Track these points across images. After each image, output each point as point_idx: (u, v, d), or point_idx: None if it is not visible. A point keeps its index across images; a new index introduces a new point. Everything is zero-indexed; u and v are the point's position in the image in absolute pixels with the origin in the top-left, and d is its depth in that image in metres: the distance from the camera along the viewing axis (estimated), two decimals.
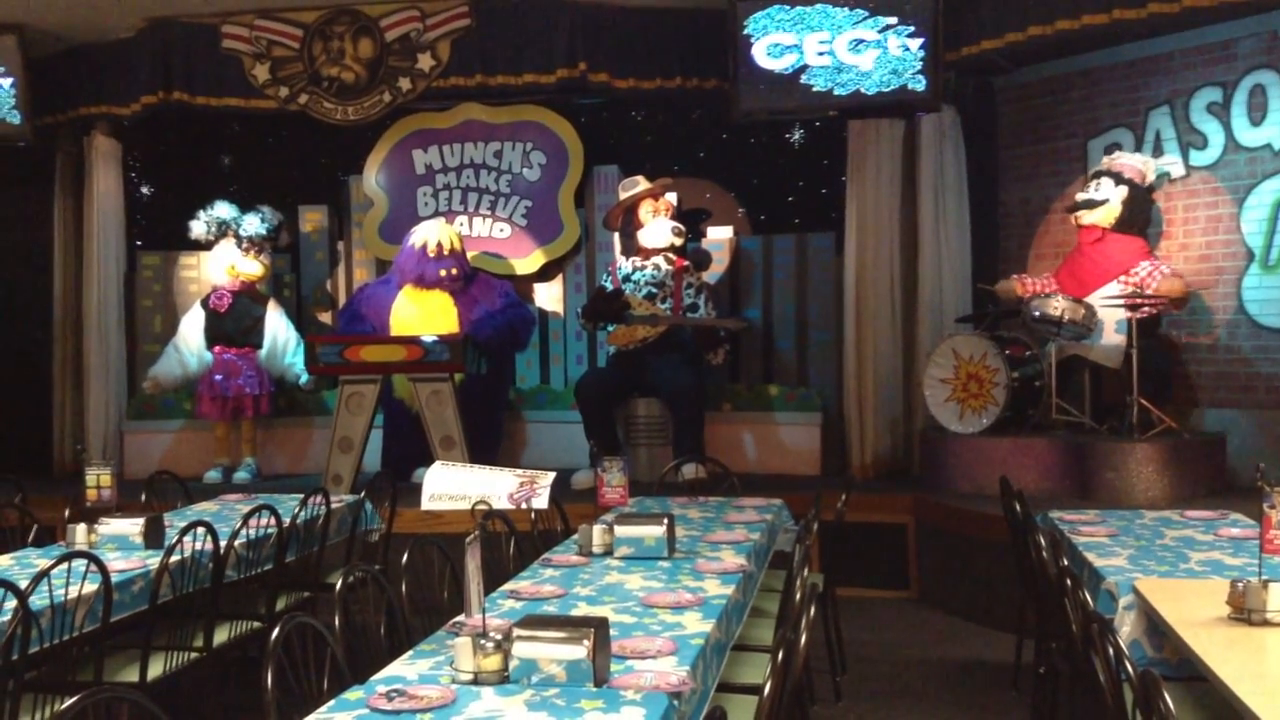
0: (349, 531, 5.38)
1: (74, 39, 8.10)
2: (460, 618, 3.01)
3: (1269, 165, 6.64)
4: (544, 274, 8.58)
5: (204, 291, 8.32)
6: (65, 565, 3.40)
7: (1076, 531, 4.29)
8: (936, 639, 5.89)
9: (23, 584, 3.22)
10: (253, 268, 8.07)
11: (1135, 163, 6.84)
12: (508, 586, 3.52)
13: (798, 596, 3.16)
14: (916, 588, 6.70)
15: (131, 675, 3.80)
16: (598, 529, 3.97)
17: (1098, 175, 6.88)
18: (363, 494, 5.68)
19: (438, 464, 3.26)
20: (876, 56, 7.03)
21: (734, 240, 8.39)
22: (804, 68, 7.14)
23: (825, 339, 8.11)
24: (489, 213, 8.56)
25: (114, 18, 7.78)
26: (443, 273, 7.67)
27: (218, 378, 7.94)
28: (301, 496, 4.96)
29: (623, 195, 7.84)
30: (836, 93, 7.14)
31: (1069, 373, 6.75)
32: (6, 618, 3.14)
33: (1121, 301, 6.30)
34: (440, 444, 6.97)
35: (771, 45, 7.15)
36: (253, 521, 4.41)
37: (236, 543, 4.34)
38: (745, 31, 7.14)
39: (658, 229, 7.69)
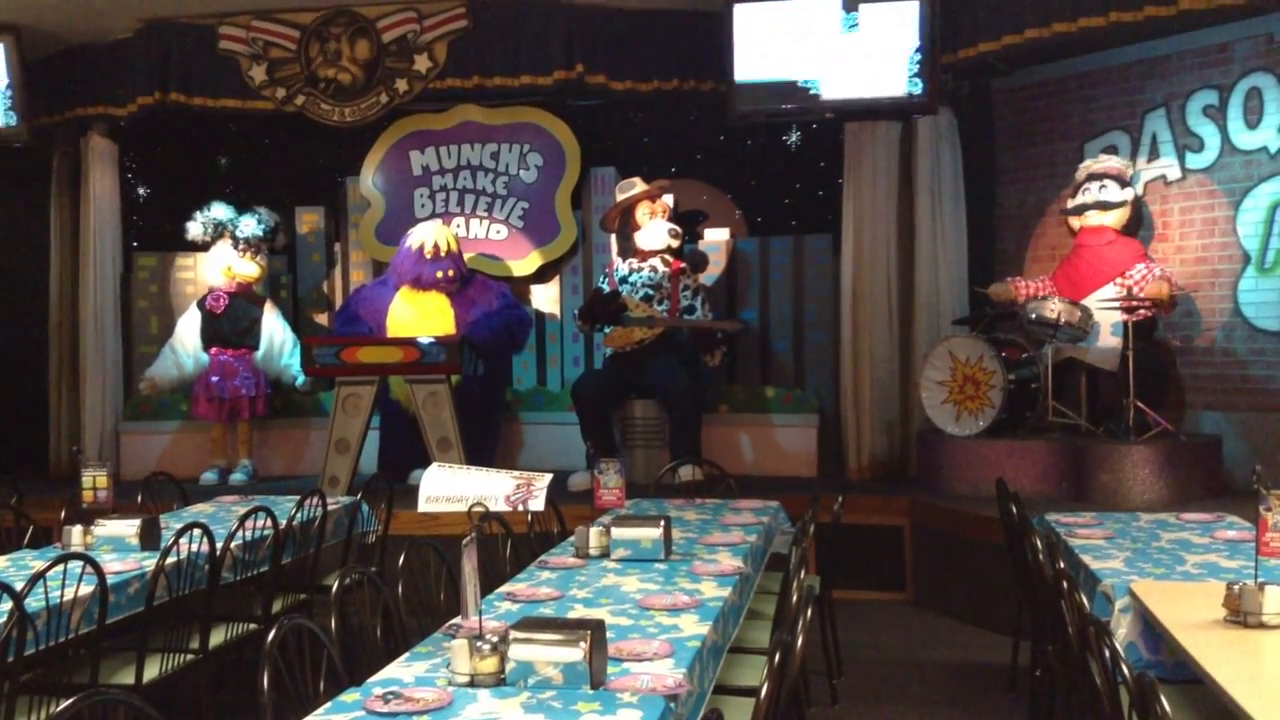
0: (345, 533, 5.37)
1: (70, 40, 8.09)
2: (457, 620, 3.01)
3: (1265, 168, 6.65)
4: (541, 275, 8.58)
5: (200, 293, 8.31)
6: (61, 567, 3.39)
7: (1073, 534, 4.30)
8: (933, 641, 5.89)
9: (18, 585, 3.22)
10: (249, 269, 8.06)
11: (1118, 165, 6.91)
12: (504, 588, 3.52)
13: (794, 599, 3.16)
14: (913, 590, 6.70)
15: (127, 677, 3.80)
16: (594, 531, 3.97)
17: (1096, 178, 6.90)
18: (359, 496, 5.67)
19: (434, 466, 3.25)
20: (873, 58, 7.03)
21: (731, 242, 8.39)
22: (800, 70, 7.14)
23: (822, 341, 8.12)
24: (486, 214, 8.56)
25: (111, 19, 7.78)
26: (439, 274, 7.67)
27: (214, 379, 7.94)
28: (298, 498, 4.95)
29: (620, 197, 7.84)
30: (833, 95, 7.15)
31: (1065, 375, 6.76)
32: (2, 619, 3.13)
33: (1116, 304, 6.32)
34: (437, 446, 6.97)
35: (768, 47, 7.15)
36: (249, 523, 4.40)
37: (233, 544, 4.34)
38: (741, 33, 7.14)
39: (655, 231, 7.69)
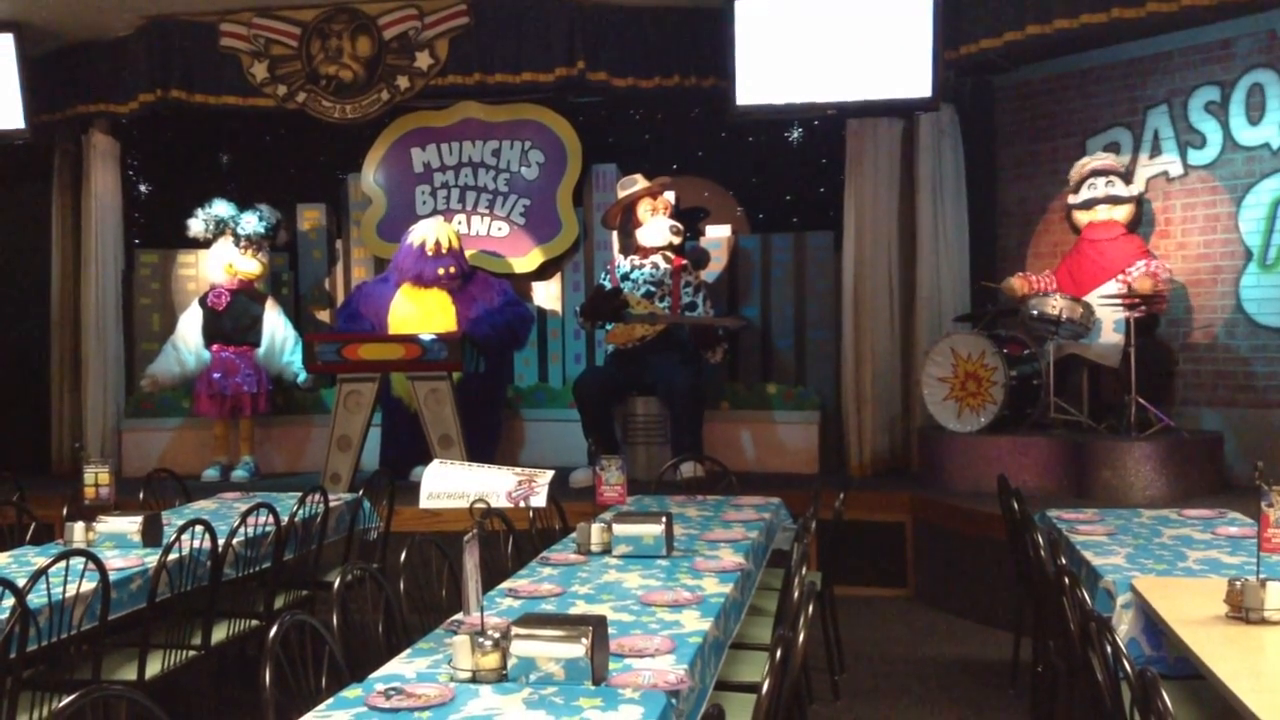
0: (347, 530, 5.38)
1: (72, 37, 8.09)
2: (458, 616, 3.01)
3: (1267, 164, 6.64)
4: (542, 272, 8.58)
5: (202, 290, 8.31)
6: (63, 563, 3.40)
7: (1074, 530, 4.30)
8: (934, 637, 5.89)
9: (21, 582, 3.22)
10: (251, 266, 8.06)
11: (1116, 163, 6.92)
12: (506, 585, 3.52)
13: (796, 595, 3.16)
14: (914, 586, 6.70)
15: (129, 673, 3.80)
16: (596, 527, 3.97)
17: (1097, 174, 6.90)
18: (361, 492, 5.67)
19: (436, 462, 3.26)
20: (875, 54, 7.02)
21: (732, 239, 8.39)
22: (802, 66, 7.13)
23: (823, 338, 8.11)
24: (487, 211, 8.56)
25: (112, 16, 7.77)
26: (441, 271, 7.67)
27: (216, 376, 7.94)
28: (300, 495, 4.96)
29: (621, 194, 7.84)
30: (835, 91, 7.14)
31: (1067, 371, 6.76)
32: (4, 616, 3.13)
33: (1117, 301, 6.32)
34: (438, 442, 6.97)
35: (769, 43, 7.14)
36: (251, 520, 4.41)
37: (235, 541, 4.34)
38: (743, 29, 7.13)
39: (656, 228, 7.69)
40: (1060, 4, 6.48)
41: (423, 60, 7.77)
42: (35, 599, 3.31)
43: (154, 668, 3.85)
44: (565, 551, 4.00)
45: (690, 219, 8.21)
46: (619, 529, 3.90)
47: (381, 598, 3.25)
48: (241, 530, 4.36)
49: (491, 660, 2.49)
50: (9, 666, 3.10)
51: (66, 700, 2.10)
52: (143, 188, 9.12)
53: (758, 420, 7.92)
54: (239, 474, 7.91)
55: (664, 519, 3.92)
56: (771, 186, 8.48)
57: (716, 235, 8.39)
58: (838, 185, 7.85)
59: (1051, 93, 7.64)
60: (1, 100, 7.88)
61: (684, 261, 7.76)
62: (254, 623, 4.49)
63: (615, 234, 8.10)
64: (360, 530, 5.49)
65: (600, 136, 8.55)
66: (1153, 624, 3.26)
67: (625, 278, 7.71)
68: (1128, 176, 6.91)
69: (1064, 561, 3.60)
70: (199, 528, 4.07)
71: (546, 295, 8.64)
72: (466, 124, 8.57)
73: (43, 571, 3.30)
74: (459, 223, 8.40)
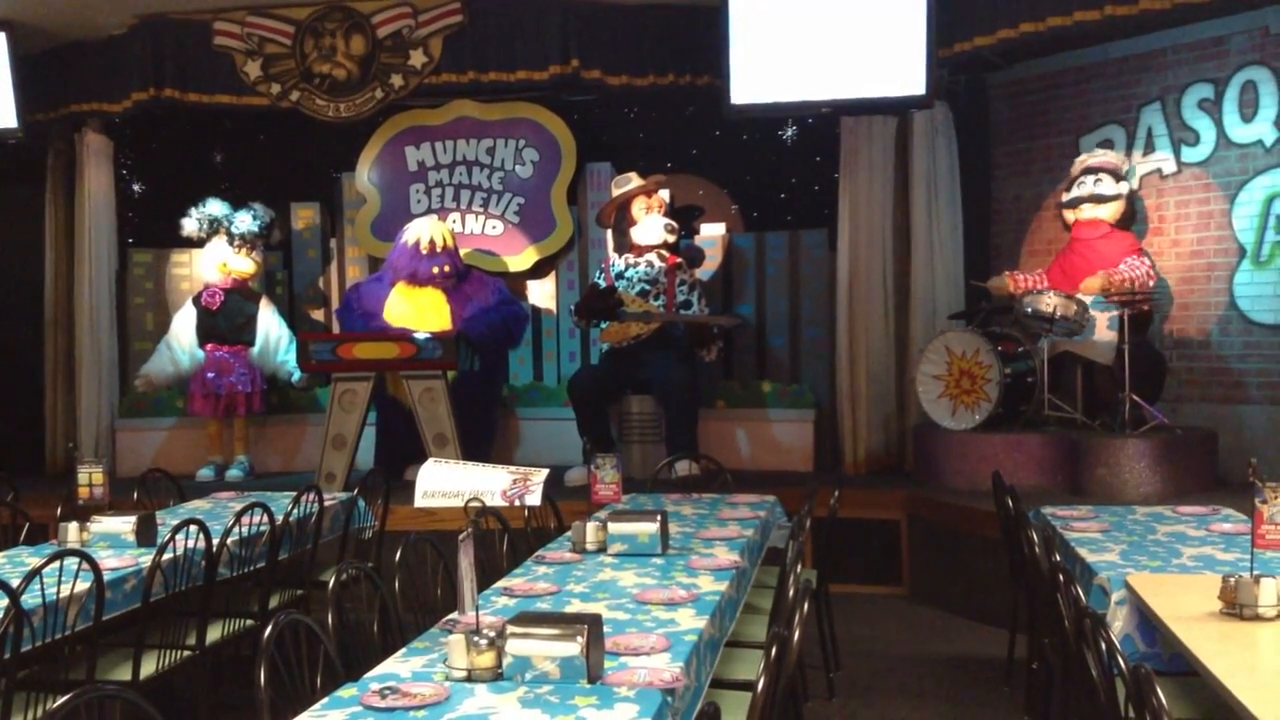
0: (342, 529, 5.37)
1: (65, 36, 8.07)
2: (454, 615, 3.01)
3: (1260, 161, 6.66)
4: (537, 271, 8.57)
5: (196, 289, 8.30)
6: (57, 563, 3.39)
7: (1069, 527, 4.30)
8: (929, 635, 5.90)
9: (15, 582, 3.21)
10: (245, 265, 8.05)
11: (1113, 159, 6.91)
12: (501, 584, 3.52)
13: (791, 593, 3.17)
14: (909, 584, 6.71)
15: (124, 674, 3.80)
16: (591, 526, 3.98)
17: (1091, 171, 6.91)
18: (356, 491, 5.67)
19: (431, 461, 3.25)
20: (869, 52, 7.02)
21: (727, 237, 8.39)
22: (796, 64, 7.13)
23: (818, 336, 8.12)
24: (482, 210, 8.55)
25: (105, 14, 7.76)
26: (435, 270, 7.66)
27: (210, 375, 7.93)
28: (294, 494, 4.95)
29: (615, 192, 7.84)
30: (829, 89, 7.14)
31: (1061, 369, 6.77)
32: None
33: (1103, 300, 6.35)
34: (433, 441, 6.97)
35: (764, 41, 7.14)
36: (245, 519, 4.40)
37: (229, 540, 4.34)
38: (737, 27, 7.12)
39: (651, 226, 7.69)
40: (1054, 2, 6.48)
41: (417, 59, 7.77)
42: (30, 599, 3.30)
43: (149, 668, 3.85)
44: (560, 550, 4.00)
45: (685, 217, 8.21)
46: (614, 527, 3.90)
47: (376, 597, 3.25)
48: (236, 530, 4.35)
49: (487, 659, 2.49)
50: (3, 667, 3.10)
51: (61, 700, 2.09)
52: (136, 187, 9.11)
53: (753, 418, 7.92)
54: (233, 473, 7.90)
55: (659, 517, 3.92)
56: (766, 185, 8.48)
57: (711, 233, 8.39)
58: (832, 183, 7.86)
59: (1045, 90, 7.65)
60: None
61: (679, 260, 7.76)
62: (249, 622, 4.48)
63: (610, 232, 8.09)
64: (355, 529, 5.49)
65: (595, 135, 8.55)
66: (1147, 621, 3.26)
67: (620, 276, 7.71)
68: (1118, 174, 6.90)
69: (1058, 559, 3.61)
70: (193, 527, 4.06)
71: (541, 294, 8.64)
72: (461, 122, 8.56)
73: (37, 572, 3.29)
74: (453, 221, 8.40)
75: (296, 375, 8.11)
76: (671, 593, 3.30)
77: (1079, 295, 6.50)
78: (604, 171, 8.40)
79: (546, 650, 2.46)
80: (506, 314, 7.86)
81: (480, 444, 7.67)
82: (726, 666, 3.49)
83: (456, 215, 8.52)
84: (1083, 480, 6.22)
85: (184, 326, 8.12)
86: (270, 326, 8.15)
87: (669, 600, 3.22)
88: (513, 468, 3.26)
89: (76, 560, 3.47)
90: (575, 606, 3.19)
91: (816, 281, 8.14)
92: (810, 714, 4.66)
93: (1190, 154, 6.97)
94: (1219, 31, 6.77)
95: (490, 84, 7.86)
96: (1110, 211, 6.86)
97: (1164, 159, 7.05)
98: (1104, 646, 2.65)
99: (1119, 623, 3.36)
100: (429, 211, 8.43)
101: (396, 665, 2.67)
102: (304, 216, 8.87)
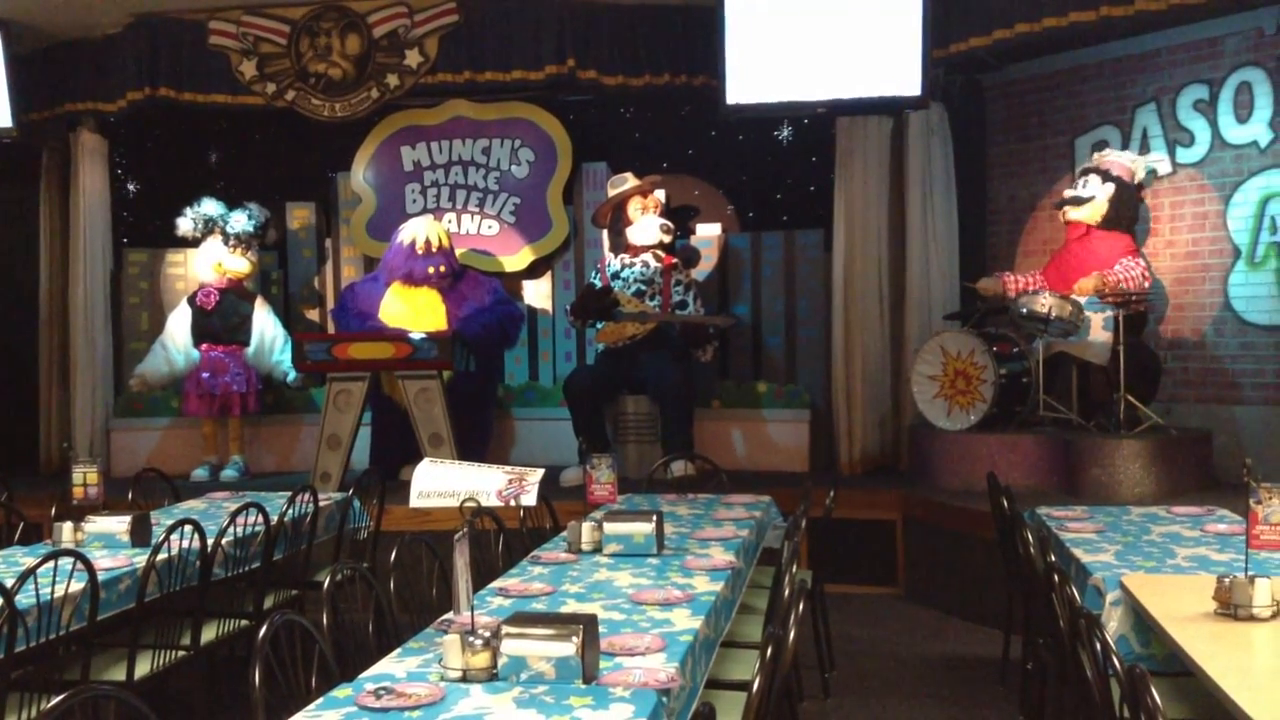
0: (337, 529, 5.37)
1: (60, 35, 8.06)
2: (449, 615, 3.00)
3: (1255, 163, 6.67)
4: (532, 271, 8.57)
5: (191, 289, 8.28)
6: (52, 563, 3.38)
7: (1064, 528, 4.31)
8: (924, 635, 5.90)
9: (9, 582, 3.21)
10: (240, 265, 8.04)
11: (1124, 160, 6.86)
12: (496, 584, 3.51)
13: (786, 593, 3.16)
14: (904, 584, 6.71)
15: (118, 674, 3.79)
16: (586, 526, 3.97)
17: (1086, 172, 6.91)
18: (351, 491, 5.66)
19: (426, 461, 3.26)
20: (865, 53, 7.02)
21: (722, 237, 8.39)
22: (792, 64, 7.14)
23: (814, 336, 8.12)
24: (477, 210, 8.55)
25: (100, 14, 7.75)
26: (431, 270, 7.65)
27: (205, 375, 7.92)
28: (289, 494, 4.94)
29: (611, 192, 7.84)
30: (824, 89, 7.14)
31: (1056, 369, 6.77)
32: None
33: (1098, 300, 6.36)
34: (429, 441, 6.96)
35: (759, 41, 7.14)
36: (240, 519, 4.39)
37: (224, 541, 4.33)
38: (733, 27, 7.13)
39: (646, 226, 7.69)
40: (1049, 2, 6.50)
41: (412, 58, 7.76)
42: (24, 599, 3.30)
43: (143, 668, 3.84)
44: (556, 550, 4.00)
45: (680, 217, 8.21)
46: (609, 527, 3.90)
47: (371, 597, 3.24)
48: (231, 530, 4.34)
49: (482, 659, 2.49)
50: None
51: (55, 700, 2.09)
52: (131, 186, 9.09)
53: (748, 418, 7.92)
54: (228, 473, 7.89)
55: (654, 517, 3.92)
56: (762, 185, 8.49)
57: (707, 233, 8.40)
58: (828, 183, 7.86)
59: (1040, 91, 7.66)
60: None
61: (674, 260, 7.76)
62: (243, 623, 4.47)
63: (605, 232, 8.09)
64: (350, 529, 5.48)
65: (590, 135, 8.55)
66: (1142, 621, 3.27)
67: (616, 276, 7.71)
68: (1108, 174, 6.83)
69: (1053, 559, 3.61)
70: (188, 527, 4.05)
71: (537, 294, 8.63)
72: (456, 122, 8.55)
73: (31, 572, 3.28)
74: (449, 221, 8.40)
75: (292, 375, 8.10)
76: (667, 593, 3.30)
77: (1073, 296, 6.50)
78: (600, 171, 8.40)
79: (542, 650, 2.46)
80: (502, 314, 7.85)
81: (476, 444, 7.66)
82: (722, 667, 3.49)
83: (452, 215, 8.52)
84: (1078, 481, 6.23)
85: (179, 326, 8.10)
86: (265, 326, 8.14)
87: (664, 600, 3.22)
88: (508, 468, 3.27)
89: (71, 560, 3.46)
90: (571, 607, 3.18)
91: (812, 281, 8.14)
92: (805, 714, 4.67)
93: (1185, 155, 6.98)
94: (1214, 33, 6.78)
95: (486, 84, 7.86)
96: (1087, 213, 6.73)
97: (1159, 160, 7.05)
98: (1099, 647, 2.66)
99: (1114, 623, 3.37)
100: (424, 211, 8.42)
101: (391, 665, 2.67)
102: (299, 216, 8.86)
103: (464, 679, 2.48)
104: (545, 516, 4.99)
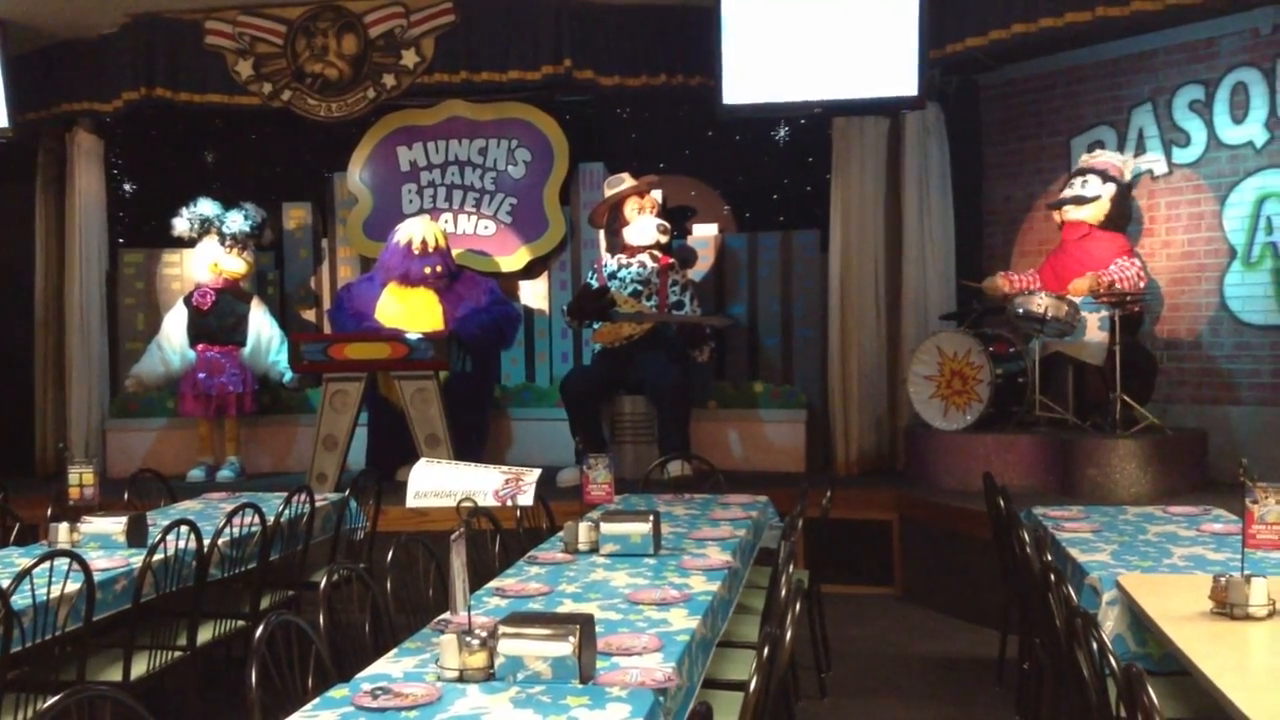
0: (334, 530, 5.36)
1: (56, 35, 8.04)
2: (445, 615, 3.00)
3: (1251, 163, 6.68)
4: (529, 271, 8.56)
5: (187, 289, 8.27)
6: (48, 564, 3.38)
7: (1060, 527, 4.31)
8: (921, 635, 5.91)
9: (5, 583, 3.21)
10: (236, 265, 8.03)
11: (1115, 160, 6.90)
12: (493, 584, 3.51)
13: (783, 593, 3.17)
14: (901, 584, 6.72)
15: (115, 674, 3.79)
16: (583, 526, 3.97)
17: (1081, 172, 6.92)
18: (347, 492, 5.66)
19: (423, 461, 3.25)
20: (861, 53, 7.02)
21: (719, 237, 8.39)
22: (789, 64, 7.13)
23: (810, 336, 8.12)
24: (474, 210, 8.54)
25: (96, 13, 7.73)
26: (427, 270, 7.65)
27: (201, 376, 7.90)
28: (286, 495, 4.94)
29: (608, 192, 7.84)
30: (821, 90, 7.14)
31: (1052, 370, 6.78)
32: None
33: (1093, 301, 6.36)
34: (425, 442, 6.96)
35: (756, 41, 7.14)
36: (236, 520, 4.39)
37: (220, 541, 4.33)
38: (730, 27, 7.13)
39: (643, 226, 7.69)
40: (1045, 3, 6.49)
41: (409, 58, 7.76)
42: (20, 600, 3.30)
43: (139, 668, 3.84)
44: (552, 550, 4.00)
45: (677, 218, 8.21)
46: (606, 528, 3.90)
47: (368, 597, 3.24)
48: (227, 530, 4.34)
49: (479, 659, 2.49)
50: None
51: (51, 701, 2.09)
52: (127, 186, 9.08)
53: (745, 419, 7.92)
54: (224, 474, 7.88)
55: (651, 517, 3.92)
56: (758, 185, 8.49)
57: (703, 234, 8.40)
58: (824, 184, 7.86)
59: (1037, 91, 7.66)
60: None
61: (671, 260, 7.76)
62: (240, 623, 4.47)
63: (602, 233, 8.09)
64: (347, 530, 5.48)
65: (587, 135, 8.54)
66: (1138, 620, 3.27)
67: (612, 276, 7.71)
68: (1107, 175, 6.86)
69: (1050, 559, 3.61)
70: (184, 528, 4.05)
71: (533, 294, 8.63)
72: (453, 122, 8.55)
73: (27, 572, 3.28)
74: (445, 221, 8.39)
75: (288, 376, 8.09)
76: (664, 593, 3.30)
77: (1069, 296, 6.51)
78: (596, 172, 8.40)
79: (539, 650, 2.46)
80: (499, 314, 7.85)
81: (472, 444, 7.65)
82: (719, 666, 3.49)
83: (448, 215, 8.51)
84: (1074, 481, 6.24)
85: (175, 327, 8.09)
86: (262, 327, 8.14)
87: (661, 600, 3.22)
88: (505, 468, 3.26)
89: (67, 561, 3.46)
90: (567, 607, 3.19)
91: (808, 282, 8.14)
92: (802, 714, 4.67)
93: (1181, 155, 6.98)
94: (1210, 33, 6.79)
95: (482, 84, 7.85)
96: (1091, 213, 6.80)
97: (1155, 160, 7.06)
98: (1095, 646, 2.66)
99: (1110, 622, 3.37)
100: (421, 211, 8.41)
101: (388, 666, 2.67)
102: (295, 216, 8.85)
103: (461, 679, 2.48)
104: (542, 516, 4.99)
